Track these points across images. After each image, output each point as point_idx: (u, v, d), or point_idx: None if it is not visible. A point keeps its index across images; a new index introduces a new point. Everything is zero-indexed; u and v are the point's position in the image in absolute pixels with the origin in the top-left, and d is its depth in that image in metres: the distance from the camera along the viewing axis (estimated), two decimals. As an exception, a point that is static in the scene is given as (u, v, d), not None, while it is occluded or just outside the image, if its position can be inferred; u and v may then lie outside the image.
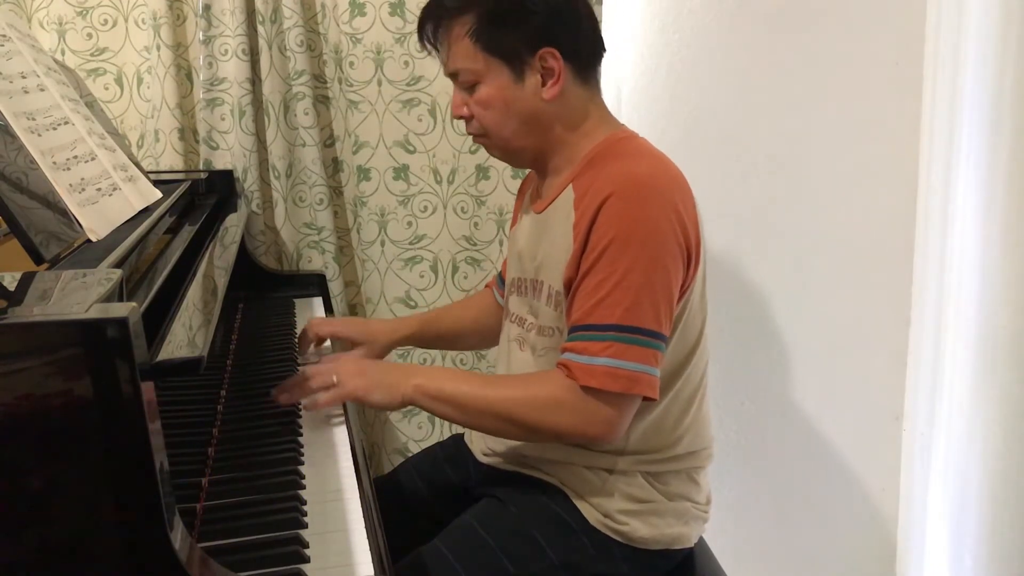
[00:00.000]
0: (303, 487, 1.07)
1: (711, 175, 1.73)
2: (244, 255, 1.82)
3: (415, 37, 1.26)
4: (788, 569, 1.86)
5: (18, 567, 0.73)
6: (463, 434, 1.45)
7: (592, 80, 1.21)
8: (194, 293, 1.10)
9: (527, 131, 1.19)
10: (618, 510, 1.19)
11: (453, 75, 1.20)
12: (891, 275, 1.71)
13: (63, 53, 1.80)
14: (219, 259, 1.37)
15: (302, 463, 1.13)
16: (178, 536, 0.76)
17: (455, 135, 1.89)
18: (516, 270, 1.28)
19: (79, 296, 0.78)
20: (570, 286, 1.14)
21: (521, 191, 1.39)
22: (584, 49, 1.19)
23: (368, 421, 2.04)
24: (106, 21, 1.82)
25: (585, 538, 1.19)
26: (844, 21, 1.65)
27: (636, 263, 1.07)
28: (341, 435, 1.22)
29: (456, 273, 1.98)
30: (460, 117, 1.22)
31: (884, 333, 1.74)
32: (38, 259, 0.90)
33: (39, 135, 1.07)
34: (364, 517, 1.00)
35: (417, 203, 1.94)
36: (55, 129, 1.13)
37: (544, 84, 1.16)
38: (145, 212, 1.22)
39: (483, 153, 1.59)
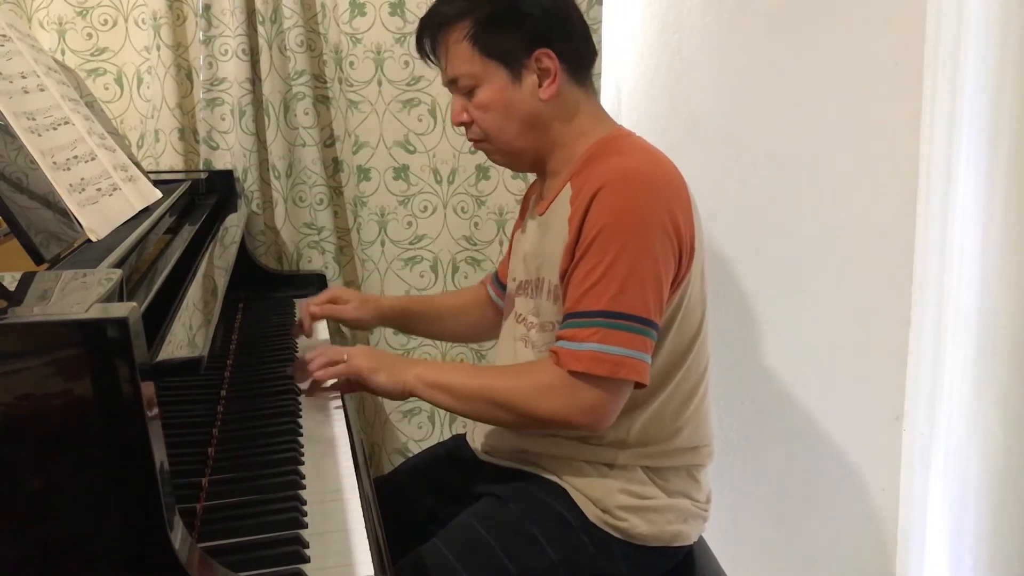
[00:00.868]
0: (303, 487, 1.07)
1: (711, 175, 1.73)
2: (244, 255, 1.82)
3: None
4: (788, 569, 1.86)
5: (18, 567, 0.73)
6: (464, 434, 1.45)
7: (587, 81, 1.25)
8: (194, 293, 1.10)
9: (526, 132, 1.22)
10: (618, 506, 1.19)
11: (452, 82, 1.24)
12: (891, 275, 1.71)
13: (63, 53, 1.80)
14: (219, 259, 1.37)
15: (302, 463, 1.13)
16: (178, 536, 0.76)
17: (455, 135, 1.89)
18: (522, 273, 1.30)
19: (79, 296, 0.78)
20: (564, 277, 1.16)
21: (526, 198, 1.41)
22: (578, 50, 1.22)
23: (368, 421, 2.04)
24: (106, 21, 1.82)
25: (585, 536, 1.19)
26: (844, 21, 1.65)
27: (624, 251, 1.09)
28: (341, 435, 1.22)
29: (456, 273, 1.98)
30: (460, 123, 1.25)
31: (884, 333, 1.74)
32: (38, 259, 0.90)
33: (39, 135, 1.07)
34: (364, 517, 1.00)
35: (417, 203, 1.94)
36: (55, 129, 1.13)
37: (541, 84, 1.19)
38: (145, 212, 1.22)
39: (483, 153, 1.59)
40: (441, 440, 1.55)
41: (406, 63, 1.86)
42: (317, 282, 1.90)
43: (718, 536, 1.40)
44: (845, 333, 1.75)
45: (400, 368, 1.22)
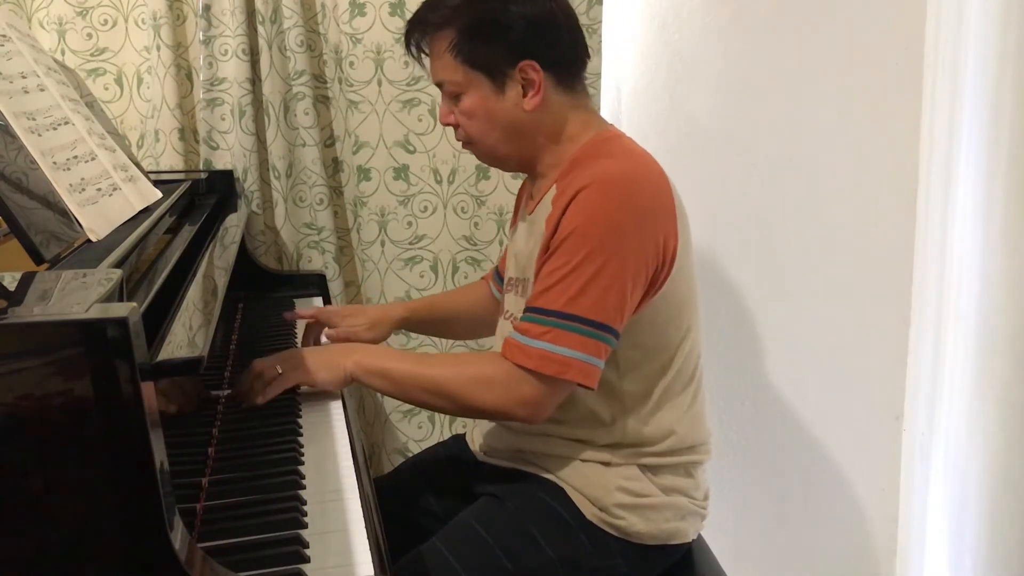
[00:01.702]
0: (303, 487, 1.07)
1: (711, 175, 1.73)
2: (244, 255, 1.82)
3: None
4: (788, 569, 1.86)
5: (18, 567, 0.73)
6: (463, 434, 1.45)
7: (577, 87, 1.24)
8: (194, 293, 1.10)
9: (510, 140, 1.23)
10: (615, 504, 1.19)
11: (439, 84, 1.24)
12: (891, 275, 1.71)
13: (63, 53, 1.80)
14: (219, 259, 1.37)
15: (302, 463, 1.13)
16: (178, 536, 0.76)
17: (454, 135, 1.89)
18: (513, 270, 1.31)
19: (79, 296, 0.78)
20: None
21: (519, 196, 1.41)
22: (565, 58, 1.22)
23: (368, 421, 2.04)
24: (106, 21, 1.82)
25: (582, 534, 1.20)
26: (844, 21, 1.65)
27: (591, 255, 1.09)
28: (341, 435, 1.22)
29: (456, 273, 1.98)
30: (447, 124, 1.26)
31: (884, 333, 1.74)
32: (38, 259, 0.89)
33: (39, 135, 1.07)
34: (364, 517, 1.00)
35: (417, 203, 1.94)
36: (55, 129, 1.13)
37: (525, 95, 1.19)
38: (145, 212, 1.22)
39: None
40: (441, 440, 1.55)
41: (406, 63, 1.86)
42: (317, 282, 1.90)
43: (717, 535, 1.40)
44: (845, 333, 1.75)
45: (336, 358, 1.23)
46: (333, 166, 1.94)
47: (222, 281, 1.26)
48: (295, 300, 1.85)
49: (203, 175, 1.80)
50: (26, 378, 0.70)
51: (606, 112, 1.95)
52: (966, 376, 1.46)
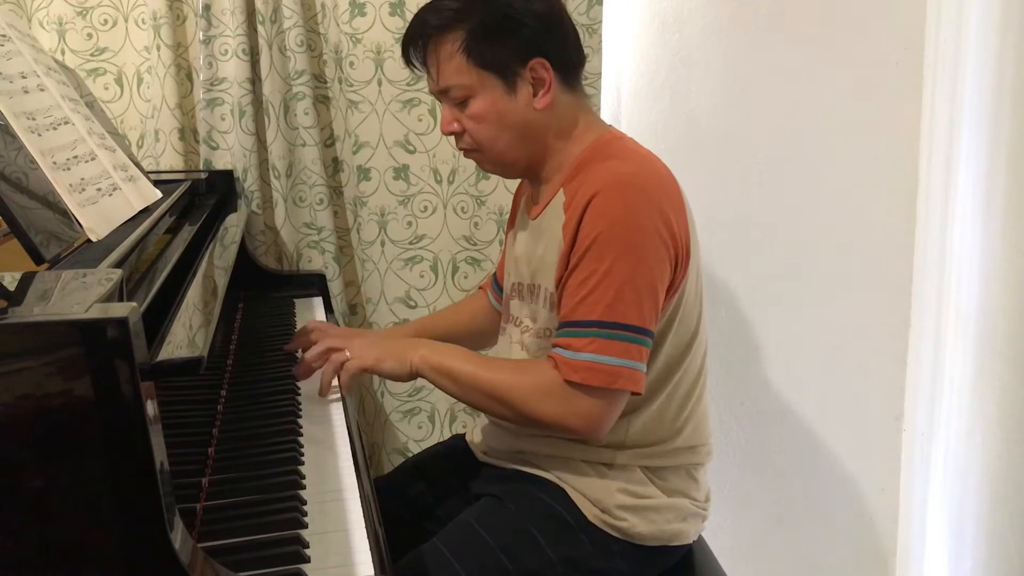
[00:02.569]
0: (303, 487, 1.07)
1: (711, 175, 1.73)
2: (244, 255, 1.82)
3: None
4: (788, 569, 1.86)
5: (18, 567, 0.73)
6: (463, 434, 1.45)
7: (577, 86, 1.24)
8: (194, 293, 1.10)
9: (520, 142, 1.21)
10: (616, 506, 1.19)
11: (443, 92, 1.21)
12: (891, 275, 1.71)
13: (63, 53, 1.80)
14: (219, 259, 1.37)
15: (302, 463, 1.13)
16: (178, 536, 0.76)
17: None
18: (515, 275, 1.30)
19: (79, 296, 0.78)
20: (560, 285, 1.16)
21: (516, 197, 1.41)
22: (571, 57, 1.21)
23: (368, 421, 2.04)
24: (106, 21, 1.82)
25: (583, 535, 1.19)
26: (844, 21, 1.65)
27: (618, 260, 1.09)
28: (341, 435, 1.22)
29: (456, 273, 1.98)
30: (451, 133, 1.23)
31: (884, 333, 1.74)
32: (38, 259, 0.90)
33: (39, 135, 1.07)
34: (364, 517, 1.00)
35: (417, 203, 1.94)
36: (55, 129, 1.13)
37: (536, 94, 1.18)
38: (145, 212, 1.22)
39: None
40: (441, 440, 1.55)
41: (406, 63, 1.86)
42: (317, 282, 1.90)
43: (718, 536, 1.41)
44: (845, 334, 1.75)
45: (404, 350, 1.23)
46: (333, 166, 1.94)
47: (222, 281, 1.26)
48: (295, 300, 1.85)
49: (203, 175, 1.80)
50: (26, 378, 0.70)
51: (606, 112, 1.95)
52: (966, 376, 1.46)
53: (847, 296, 1.74)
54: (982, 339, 1.41)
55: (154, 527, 0.74)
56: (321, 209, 1.89)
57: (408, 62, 1.24)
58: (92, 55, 1.83)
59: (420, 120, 1.89)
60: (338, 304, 1.91)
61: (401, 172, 1.92)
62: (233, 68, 1.79)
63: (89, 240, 1.01)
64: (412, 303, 1.98)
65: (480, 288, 1.57)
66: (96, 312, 0.72)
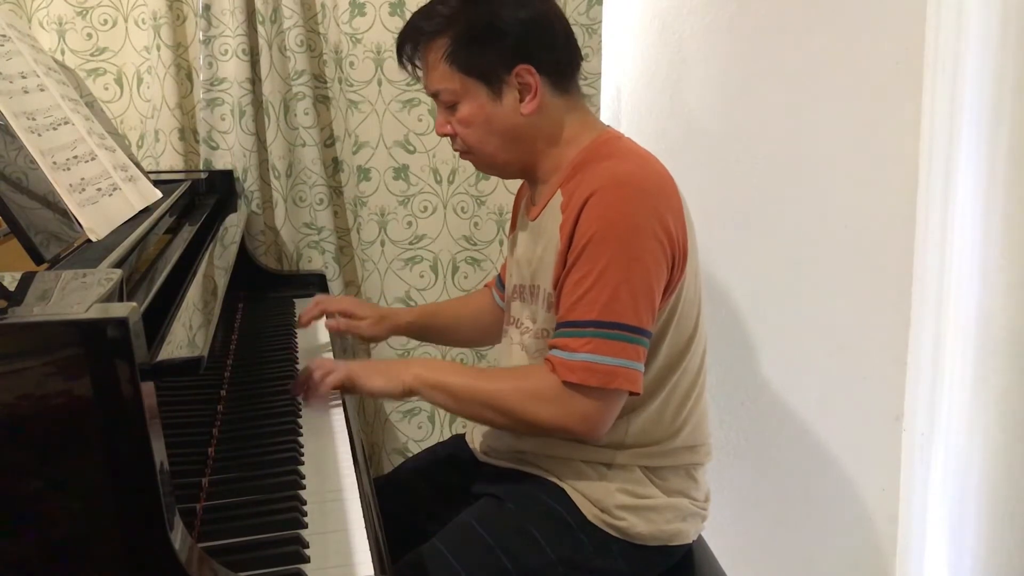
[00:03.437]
0: (303, 487, 1.07)
1: (711, 175, 1.73)
2: (244, 255, 1.82)
3: None
4: (788, 569, 1.86)
5: (18, 567, 0.73)
6: (463, 434, 1.45)
7: (572, 89, 1.23)
8: (194, 293, 1.10)
9: (509, 146, 1.21)
10: (616, 506, 1.19)
11: (434, 95, 1.23)
12: (891, 275, 1.71)
13: (63, 53, 1.80)
14: (219, 259, 1.37)
15: (302, 463, 1.13)
16: (178, 536, 0.76)
17: (455, 135, 1.89)
18: (516, 277, 1.30)
19: (79, 296, 0.78)
20: (557, 284, 1.16)
21: (517, 199, 1.41)
22: (560, 61, 1.21)
23: (368, 421, 2.05)
24: (106, 21, 1.82)
25: (583, 535, 1.19)
26: (844, 21, 1.65)
27: (615, 259, 1.09)
28: (341, 435, 1.22)
29: (456, 273, 1.98)
30: (444, 135, 1.25)
31: (884, 333, 1.74)
32: (38, 259, 0.90)
33: (39, 135, 1.07)
34: (364, 517, 1.00)
35: (417, 203, 1.94)
36: (55, 129, 1.13)
37: (522, 100, 1.18)
38: (145, 212, 1.22)
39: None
40: (441, 440, 1.55)
41: (406, 63, 1.86)
42: (317, 282, 1.90)
43: (718, 535, 1.40)
44: (845, 333, 1.75)
45: (397, 369, 1.23)
46: (333, 166, 1.94)
47: (222, 281, 1.26)
48: (295, 300, 1.85)
49: (203, 175, 1.80)
50: (26, 378, 0.70)
51: (606, 112, 1.95)
52: (966, 376, 1.46)
53: (847, 296, 1.74)
54: (982, 339, 1.41)
55: (154, 527, 0.74)
56: (321, 209, 1.89)
57: (401, 63, 1.25)
58: (92, 55, 1.83)
59: (420, 120, 1.89)
60: (338, 304, 1.91)
61: (401, 172, 1.92)
62: (233, 68, 1.79)
63: (89, 240, 1.01)
64: (412, 303, 1.98)
65: (486, 286, 1.58)
66: (96, 312, 0.72)
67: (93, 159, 1.18)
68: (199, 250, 1.33)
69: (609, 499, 1.20)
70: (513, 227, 1.39)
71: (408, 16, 1.25)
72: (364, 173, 1.91)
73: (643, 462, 1.21)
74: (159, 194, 1.34)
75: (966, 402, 1.46)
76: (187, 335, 0.95)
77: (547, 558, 1.18)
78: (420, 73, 1.24)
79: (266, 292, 1.86)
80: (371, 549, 0.93)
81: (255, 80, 1.82)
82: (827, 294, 1.74)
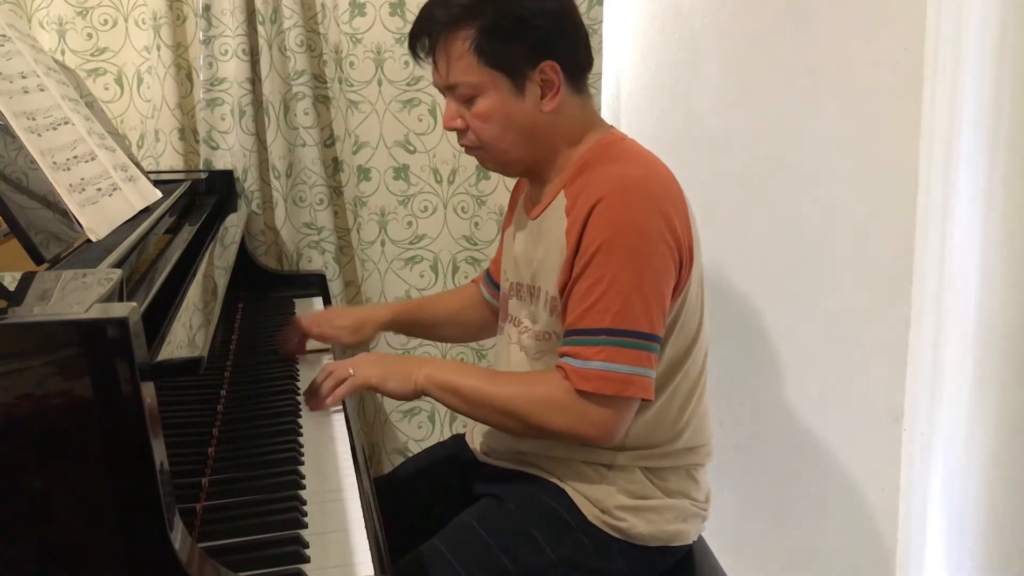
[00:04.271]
0: (303, 487, 1.07)
1: (711, 175, 1.73)
2: (244, 255, 1.82)
3: None
4: (788, 568, 1.86)
5: (18, 567, 0.73)
6: (464, 434, 1.45)
7: (583, 88, 1.23)
8: (194, 293, 1.10)
9: (525, 143, 1.20)
10: (616, 506, 1.19)
11: (449, 88, 1.19)
12: (891, 275, 1.71)
13: (63, 53, 1.80)
14: (219, 259, 1.37)
15: (302, 463, 1.13)
16: (178, 536, 0.76)
17: (455, 135, 1.89)
18: (514, 275, 1.29)
19: (79, 296, 0.78)
20: (564, 290, 1.15)
21: (514, 195, 1.40)
22: (580, 60, 1.21)
23: (368, 421, 2.05)
24: (106, 21, 1.82)
25: (583, 535, 1.19)
26: (844, 21, 1.65)
27: (625, 266, 1.08)
28: (341, 435, 1.22)
29: (456, 273, 1.98)
30: (454, 129, 1.22)
31: (884, 333, 1.74)
32: (38, 259, 0.90)
33: (39, 135, 1.07)
34: (364, 517, 1.00)
35: (417, 203, 1.94)
36: (55, 129, 1.13)
37: (543, 97, 1.17)
38: (145, 212, 1.22)
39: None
40: (441, 440, 1.55)
41: (406, 63, 1.86)
42: (317, 282, 1.90)
43: (718, 536, 1.40)
44: (845, 333, 1.75)
45: (408, 369, 1.22)
46: (333, 166, 1.94)
47: (222, 281, 1.26)
48: (295, 300, 1.85)
49: (203, 175, 1.80)
50: (26, 378, 0.70)
51: (606, 112, 1.95)
52: (966, 376, 1.46)
53: (847, 296, 1.74)
54: (982, 339, 1.41)
55: (154, 527, 0.74)
56: (321, 209, 1.89)
57: (415, 55, 1.22)
58: (92, 55, 1.83)
59: (420, 120, 1.89)
60: (338, 304, 1.91)
61: (401, 172, 1.92)
62: (233, 68, 1.79)
63: (89, 240, 1.01)
64: (412, 303, 1.97)
65: (473, 281, 1.57)
66: (96, 312, 0.72)
67: (93, 159, 1.18)
68: (199, 250, 1.33)
69: (609, 500, 1.20)
70: (509, 222, 1.38)
71: (408, 16, 1.24)
72: (364, 173, 1.91)
73: (644, 463, 1.21)
74: (159, 194, 1.33)
75: (966, 402, 1.46)
76: (187, 335, 0.95)
77: (547, 558, 1.18)
78: (433, 65, 1.20)
79: (266, 292, 1.86)
80: (371, 549, 0.93)
81: (255, 80, 1.82)
82: (827, 294, 1.74)
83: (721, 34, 1.69)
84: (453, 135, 1.87)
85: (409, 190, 1.93)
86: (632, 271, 1.08)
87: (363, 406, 2.03)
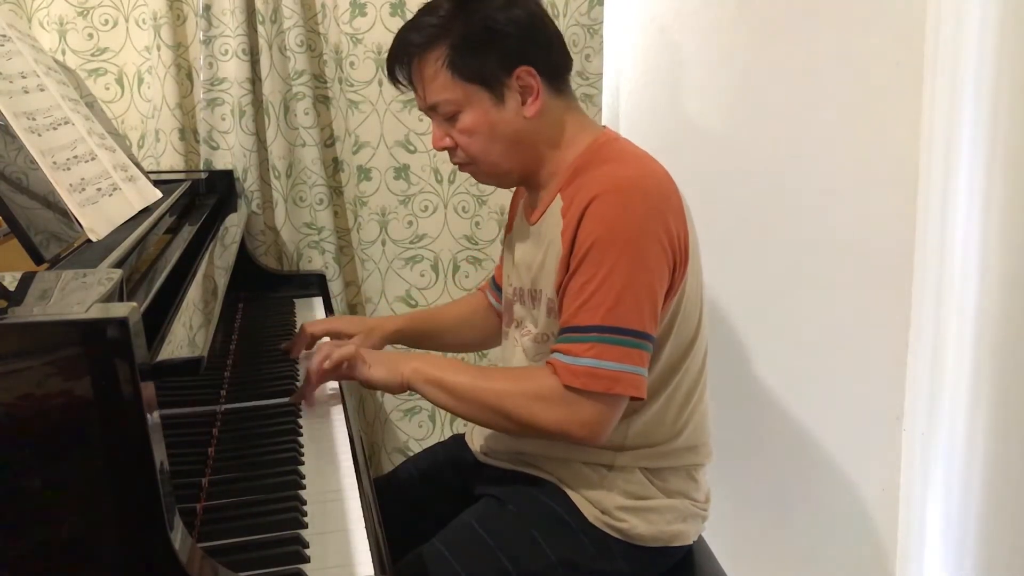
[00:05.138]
0: (303, 487, 1.07)
1: (711, 175, 1.73)
2: (244, 255, 1.82)
3: None
4: (788, 569, 1.86)
5: (18, 567, 0.73)
6: (464, 434, 1.45)
7: (566, 90, 1.23)
8: (194, 293, 1.10)
9: (513, 151, 1.20)
10: (616, 507, 1.19)
11: (431, 108, 1.20)
12: (891, 275, 1.71)
13: (63, 53, 1.80)
14: (219, 259, 1.37)
15: (302, 463, 1.13)
16: (178, 536, 0.76)
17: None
18: (516, 280, 1.29)
19: (79, 296, 0.78)
20: (560, 289, 1.15)
21: (514, 201, 1.40)
22: (556, 61, 1.21)
23: (368, 421, 2.05)
24: (106, 21, 1.82)
25: (584, 536, 1.19)
26: (844, 22, 1.65)
27: (618, 264, 1.08)
28: (341, 435, 1.22)
29: (457, 272, 1.98)
30: (443, 148, 1.23)
31: (884, 333, 1.74)
32: (38, 259, 0.90)
33: (39, 135, 1.07)
34: (364, 517, 1.00)
35: (418, 203, 1.94)
36: (55, 129, 1.13)
37: (524, 102, 1.17)
38: (145, 212, 1.22)
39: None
40: (441, 439, 1.55)
41: (406, 63, 1.86)
42: (317, 282, 1.90)
43: (718, 536, 1.41)
44: (845, 333, 1.75)
45: (397, 362, 1.22)
46: (333, 166, 1.94)
47: (222, 281, 1.26)
48: (295, 300, 1.85)
49: (203, 175, 1.80)
50: (26, 378, 0.70)
51: (606, 112, 1.95)
52: (966, 376, 1.46)
53: (847, 296, 1.74)
54: (982, 339, 1.41)
55: (154, 527, 0.74)
56: (321, 209, 1.89)
57: (395, 82, 1.23)
58: (92, 55, 1.83)
59: (420, 120, 1.89)
60: (338, 304, 1.91)
61: (401, 172, 1.92)
62: (233, 68, 1.79)
63: (89, 240, 1.01)
64: (413, 303, 1.98)
65: (479, 289, 1.57)
66: (96, 312, 0.72)
67: (93, 159, 1.18)
68: (199, 250, 1.33)
69: (609, 500, 1.20)
70: (510, 229, 1.39)
71: (409, 16, 1.24)
72: (364, 173, 1.91)
73: (644, 463, 1.21)
74: (159, 194, 1.33)
75: (966, 402, 1.46)
76: (187, 335, 0.95)
77: (547, 559, 1.18)
78: (412, 89, 1.22)
79: (266, 292, 1.86)
80: (371, 549, 0.93)
81: (255, 80, 1.82)
82: (827, 294, 1.74)
83: (721, 34, 1.69)
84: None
85: (409, 190, 1.93)
86: (625, 269, 1.08)
87: (363, 406, 2.03)
